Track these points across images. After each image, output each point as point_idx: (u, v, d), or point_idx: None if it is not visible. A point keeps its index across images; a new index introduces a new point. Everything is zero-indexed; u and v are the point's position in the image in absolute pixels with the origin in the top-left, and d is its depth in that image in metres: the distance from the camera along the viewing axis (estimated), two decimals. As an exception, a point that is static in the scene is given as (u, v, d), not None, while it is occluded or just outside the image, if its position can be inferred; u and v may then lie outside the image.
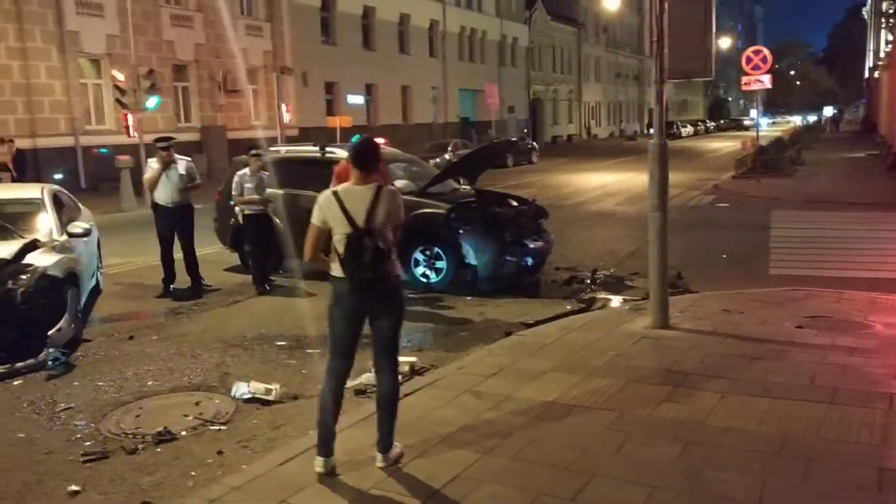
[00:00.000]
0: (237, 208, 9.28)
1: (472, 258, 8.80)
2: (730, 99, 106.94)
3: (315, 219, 4.11)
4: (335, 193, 4.06)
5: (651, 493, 3.82)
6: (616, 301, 8.41)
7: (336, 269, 4.07)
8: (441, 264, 8.92)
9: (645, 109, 74.22)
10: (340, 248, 3.99)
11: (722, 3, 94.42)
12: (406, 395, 5.22)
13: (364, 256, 3.91)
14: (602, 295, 8.73)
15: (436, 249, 8.91)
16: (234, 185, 9.16)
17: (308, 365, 6.40)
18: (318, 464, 4.13)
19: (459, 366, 5.97)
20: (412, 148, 23.89)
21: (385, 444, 4.21)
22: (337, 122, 26.10)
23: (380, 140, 15.28)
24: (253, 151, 9.39)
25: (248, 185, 9.06)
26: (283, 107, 27.90)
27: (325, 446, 4.14)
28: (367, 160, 4.09)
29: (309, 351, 6.77)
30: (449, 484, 3.97)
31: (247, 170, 9.16)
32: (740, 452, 4.27)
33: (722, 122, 76.79)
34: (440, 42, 41.64)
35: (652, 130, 6.86)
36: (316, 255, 4.18)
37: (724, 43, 67.57)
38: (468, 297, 8.62)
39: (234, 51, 27.83)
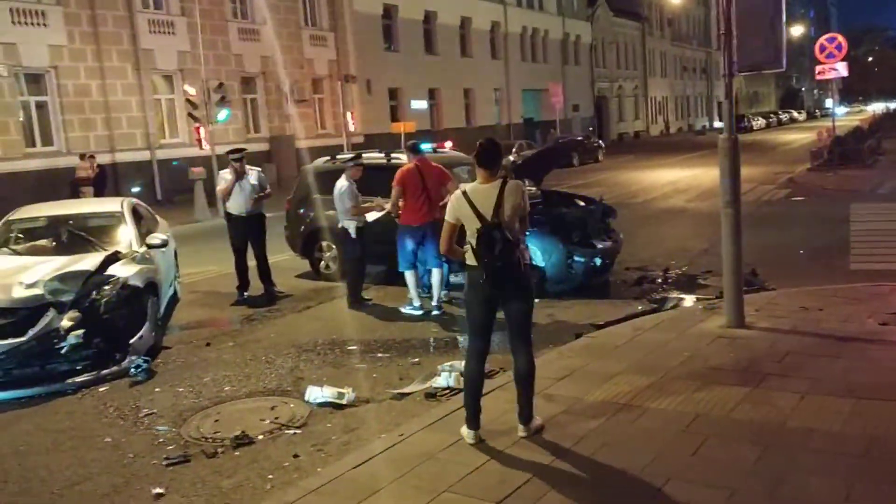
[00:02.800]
0: (348, 222, 8.51)
1: (539, 260, 8.73)
2: (803, 89, 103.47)
3: (449, 216, 4.59)
4: (464, 193, 4.50)
5: (730, 497, 3.73)
6: (689, 300, 8.23)
7: (471, 259, 4.47)
8: None
9: (714, 103, 72.46)
10: (474, 242, 4.41)
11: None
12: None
13: (495, 247, 4.30)
14: (674, 294, 8.56)
15: None
16: (346, 197, 8.36)
17: (379, 369, 6.47)
18: (469, 436, 4.55)
19: (529, 368, 5.93)
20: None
21: (526, 416, 4.59)
22: (401, 127, 26.34)
23: (448, 143, 15.20)
24: (352, 162, 8.72)
25: (349, 197, 8.39)
26: (349, 115, 28.28)
27: (474, 420, 4.57)
28: (490, 159, 4.51)
29: (379, 355, 6.85)
30: (521, 487, 3.95)
31: (344, 180, 8.47)
32: (823, 455, 4.13)
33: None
34: (502, 43, 41.55)
35: (720, 124, 6.69)
36: (451, 248, 4.63)
37: (796, 31, 65.51)
38: (536, 300, 8.50)
39: (300, 61, 28.41)
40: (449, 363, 6.15)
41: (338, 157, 10.59)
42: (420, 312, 8.16)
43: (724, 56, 6.32)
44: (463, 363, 5.95)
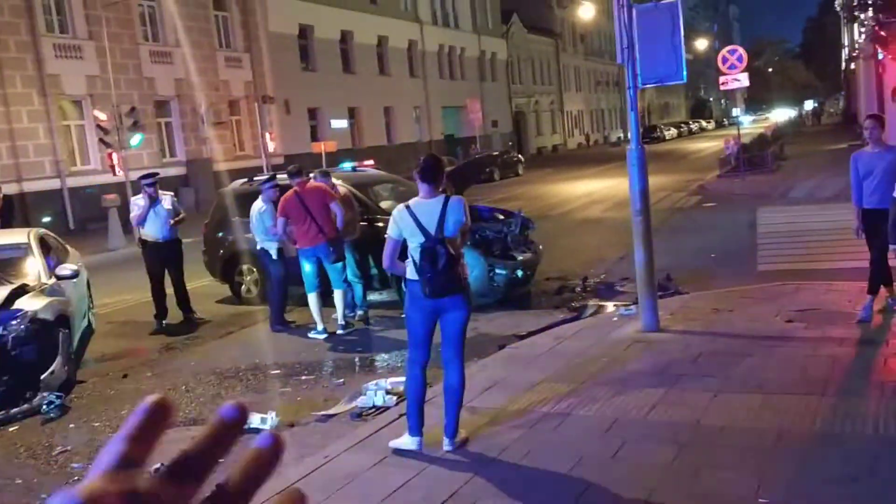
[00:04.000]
0: (268, 244, 8.43)
1: None
2: (711, 99, 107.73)
3: (391, 231, 4.61)
4: (408, 207, 4.52)
5: (649, 496, 3.84)
6: (607, 307, 8.44)
7: (412, 274, 4.52)
8: None
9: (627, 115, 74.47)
10: (416, 256, 4.45)
11: (697, 4, 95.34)
12: (402, 415, 5.25)
13: (438, 262, 4.37)
14: (593, 302, 8.77)
15: None
16: (266, 218, 8.32)
17: (303, 392, 6.41)
18: (412, 443, 4.61)
19: (454, 382, 5.98)
20: (398, 168, 23.93)
21: (451, 429, 4.59)
22: (322, 147, 26.19)
23: (368, 162, 15.24)
24: (268, 184, 8.66)
25: (270, 217, 8.31)
26: (267, 135, 27.96)
27: (418, 427, 4.62)
28: (432, 175, 4.55)
29: (303, 378, 6.78)
30: (446, 502, 3.98)
31: (260, 202, 8.44)
32: (736, 450, 4.30)
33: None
34: (420, 61, 41.85)
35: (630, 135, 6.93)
36: (394, 263, 4.67)
37: (701, 45, 68.15)
38: (460, 313, 8.63)
39: (215, 83, 27.96)
40: (374, 382, 6.14)
41: (255, 178, 10.47)
42: (324, 336, 8.10)
43: (628, 69, 6.56)
44: (387, 381, 6.01)
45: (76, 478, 4.99)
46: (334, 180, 8.84)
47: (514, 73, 54.21)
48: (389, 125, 38.92)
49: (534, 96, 57.05)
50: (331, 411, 5.77)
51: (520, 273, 9.18)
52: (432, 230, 4.45)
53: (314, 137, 31.11)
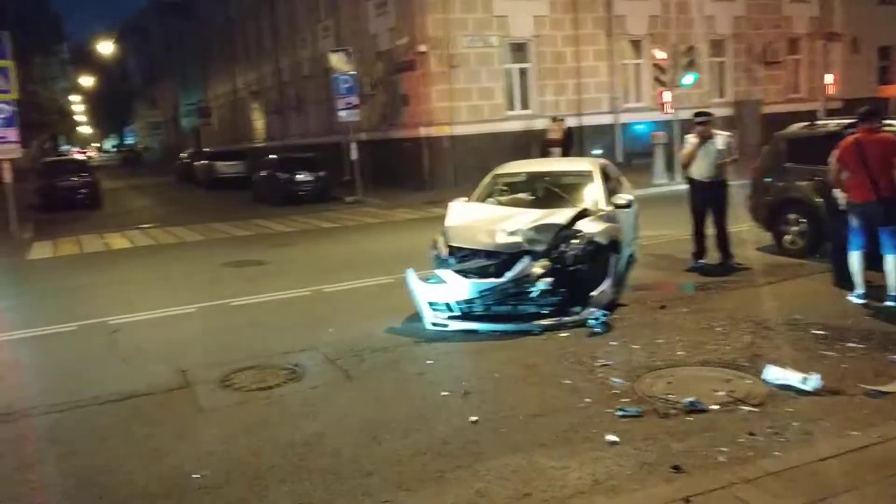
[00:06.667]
0: (837, 192, 7.64)
1: None
2: None
3: None
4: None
5: None
6: None
7: None
8: None
9: None
10: None
11: None
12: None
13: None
14: None
15: None
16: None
17: (849, 360, 5.81)
18: None
19: None
20: None
21: None
22: (891, 91, 23.03)
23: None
24: (849, 129, 7.54)
25: None
26: (828, 77, 25.61)
27: None
28: None
29: (851, 345, 6.13)
30: None
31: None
32: None
33: None
34: None
35: None
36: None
37: None
38: None
39: (776, 20, 26.51)
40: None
41: (817, 122, 9.69)
42: (862, 301, 7.25)
43: None
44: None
45: (614, 391, 5.40)
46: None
47: None
48: None
49: None
50: (885, 388, 5.11)
51: None
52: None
53: (883, 80, 27.51)
